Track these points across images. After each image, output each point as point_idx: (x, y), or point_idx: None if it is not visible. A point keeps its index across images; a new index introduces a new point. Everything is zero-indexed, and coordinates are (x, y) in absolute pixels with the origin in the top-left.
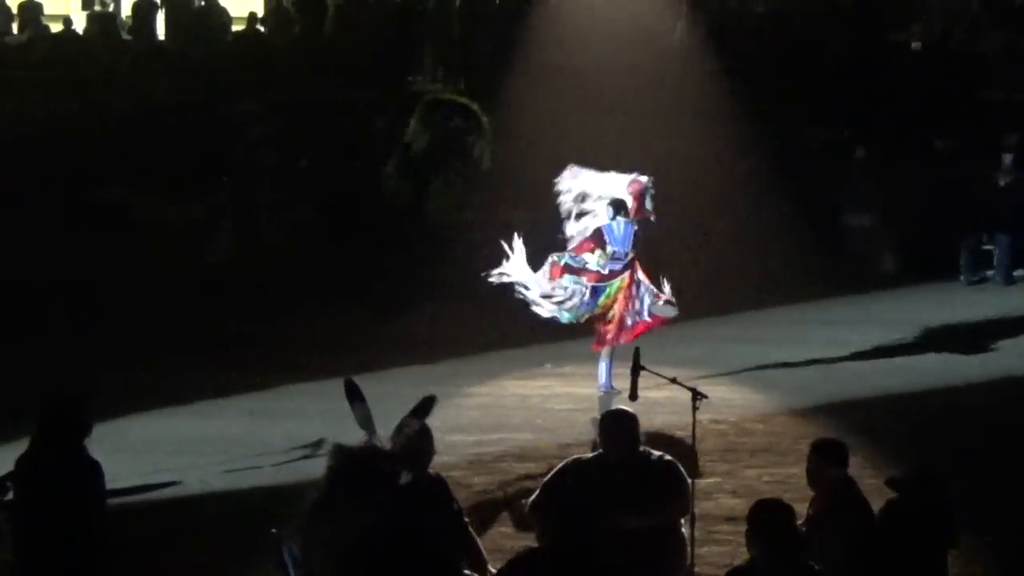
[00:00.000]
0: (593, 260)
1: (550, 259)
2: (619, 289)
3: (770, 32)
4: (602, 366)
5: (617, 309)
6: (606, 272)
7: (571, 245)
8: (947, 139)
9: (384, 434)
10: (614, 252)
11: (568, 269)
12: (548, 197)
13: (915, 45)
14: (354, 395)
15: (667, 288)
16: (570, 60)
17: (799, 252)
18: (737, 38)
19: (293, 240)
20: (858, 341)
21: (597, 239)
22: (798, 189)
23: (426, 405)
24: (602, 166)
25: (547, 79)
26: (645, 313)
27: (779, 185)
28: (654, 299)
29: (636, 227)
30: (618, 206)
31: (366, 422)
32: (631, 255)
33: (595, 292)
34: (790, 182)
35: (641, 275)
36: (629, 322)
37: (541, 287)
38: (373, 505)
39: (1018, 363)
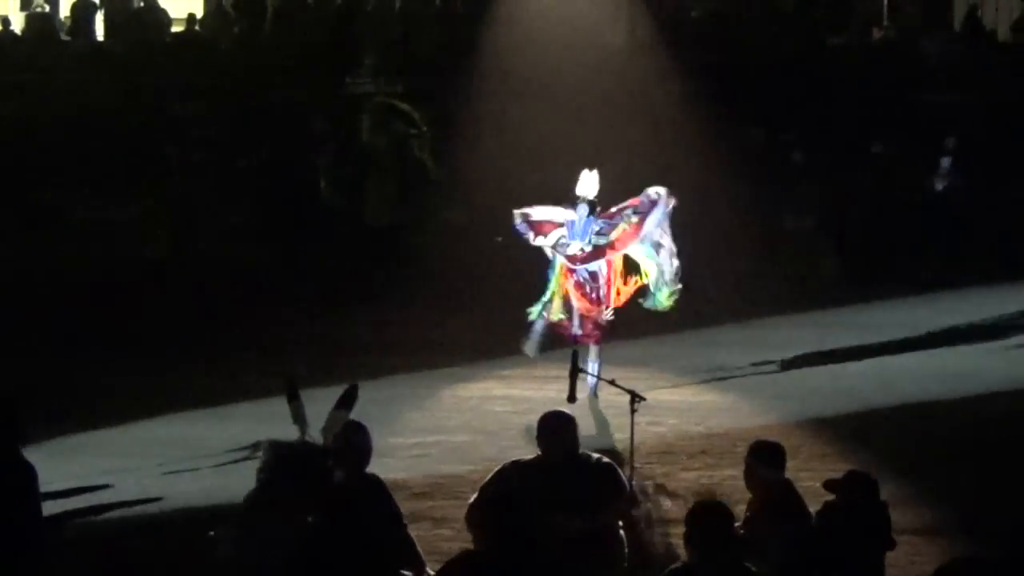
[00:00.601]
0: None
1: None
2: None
3: (710, 33)
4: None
5: (575, 304)
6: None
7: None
8: (885, 142)
9: (317, 431)
10: (561, 237)
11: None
12: (489, 198)
13: (855, 47)
14: (292, 393)
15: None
16: (513, 61)
17: (741, 255)
18: (678, 39)
19: (231, 241)
20: (808, 343)
21: (554, 228)
22: (739, 191)
23: (350, 395)
24: (544, 167)
25: (489, 80)
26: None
27: (721, 187)
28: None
29: (599, 226)
30: (591, 207)
31: (299, 419)
32: (584, 248)
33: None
34: (731, 184)
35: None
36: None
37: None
38: (309, 503)
39: (977, 370)
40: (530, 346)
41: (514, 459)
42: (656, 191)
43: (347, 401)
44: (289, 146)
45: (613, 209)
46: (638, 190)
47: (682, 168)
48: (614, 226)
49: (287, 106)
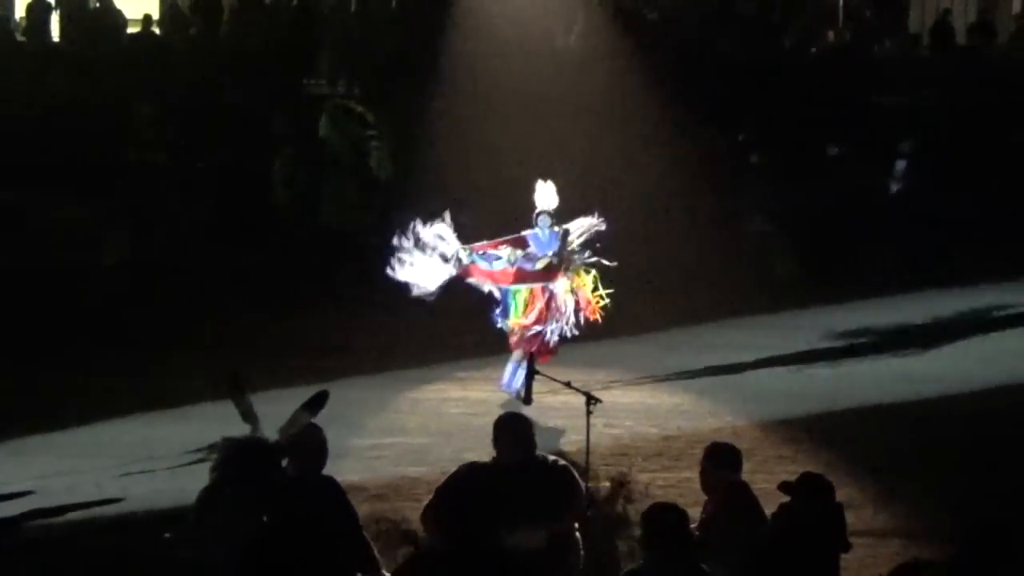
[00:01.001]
0: (505, 255)
1: (456, 255)
2: (529, 294)
3: (665, 34)
4: (509, 367)
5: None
6: (513, 270)
7: (478, 244)
8: (841, 145)
9: (273, 428)
10: (528, 253)
11: (475, 271)
12: (446, 201)
13: (811, 51)
14: (238, 389)
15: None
16: (469, 64)
17: (699, 256)
18: (635, 41)
19: (189, 243)
20: (766, 347)
21: (516, 242)
22: (697, 193)
23: (319, 400)
24: (501, 170)
25: (446, 83)
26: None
27: (678, 189)
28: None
29: (561, 235)
30: (552, 219)
31: (249, 416)
32: (551, 260)
33: (504, 296)
34: (688, 186)
35: (563, 292)
36: (549, 332)
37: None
38: (261, 498)
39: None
40: (514, 386)
41: (470, 461)
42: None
43: (314, 404)
44: (246, 147)
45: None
46: (595, 193)
47: (639, 170)
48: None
49: (244, 107)
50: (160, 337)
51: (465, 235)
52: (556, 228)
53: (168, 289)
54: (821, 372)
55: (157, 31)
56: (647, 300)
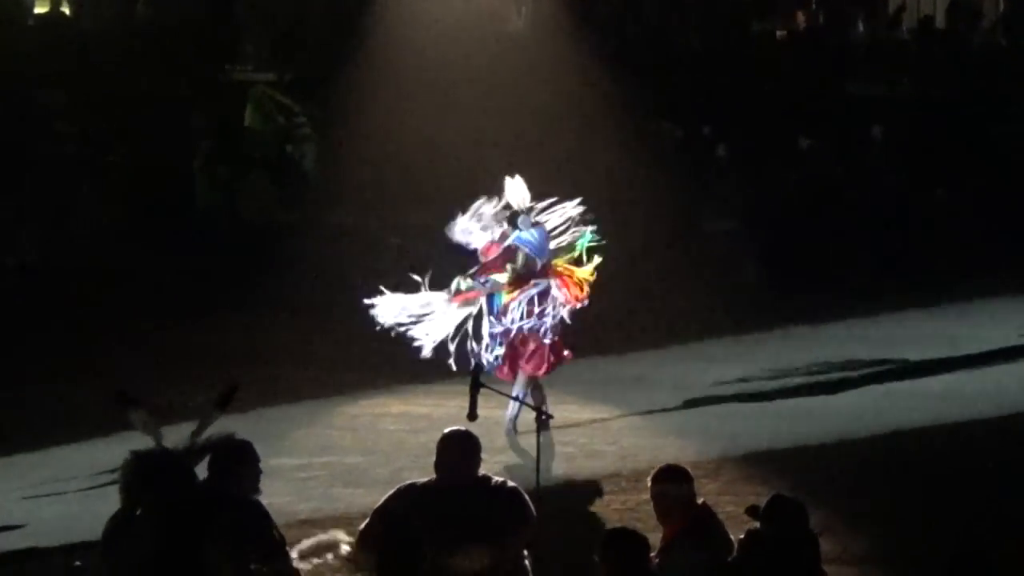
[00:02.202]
0: (503, 279)
1: (454, 286)
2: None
3: (623, 17)
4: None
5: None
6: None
7: (473, 269)
8: (812, 137)
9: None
10: (528, 261)
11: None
12: (378, 198)
13: (780, 35)
14: (128, 402)
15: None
16: (408, 49)
17: (655, 259)
18: (588, 25)
19: (101, 243)
20: (730, 365)
21: (508, 255)
22: (655, 190)
23: (226, 395)
24: (442, 164)
25: (382, 69)
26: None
27: (635, 186)
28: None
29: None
30: (527, 214)
31: (148, 428)
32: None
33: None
34: (646, 183)
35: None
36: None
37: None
38: (174, 520)
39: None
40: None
41: (410, 482)
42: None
43: (222, 401)
44: (164, 139)
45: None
46: (544, 188)
47: (592, 165)
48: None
49: (162, 95)
50: (69, 346)
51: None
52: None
53: (78, 293)
54: (788, 403)
55: (67, 11)
56: (600, 310)
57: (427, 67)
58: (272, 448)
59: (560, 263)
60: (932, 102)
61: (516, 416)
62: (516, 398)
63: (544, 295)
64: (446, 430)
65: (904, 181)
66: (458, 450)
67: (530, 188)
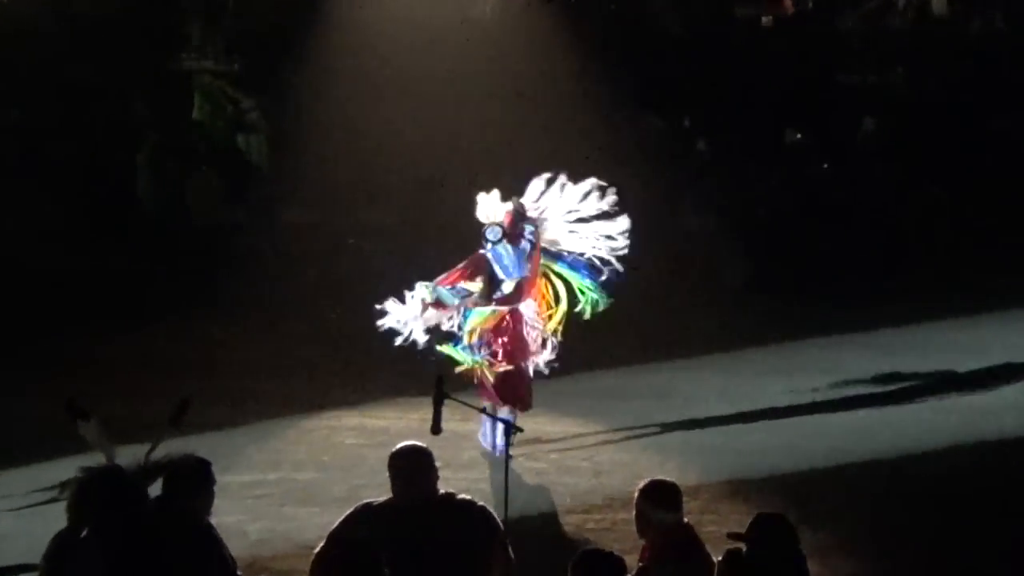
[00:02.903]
0: (477, 291)
1: (417, 292)
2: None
3: (597, 3)
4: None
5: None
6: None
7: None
8: (800, 130)
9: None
10: (502, 281)
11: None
12: (338, 196)
13: (765, 21)
14: (78, 413)
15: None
16: (367, 36)
17: (634, 261)
18: (560, 10)
19: (38, 244)
20: (709, 383)
21: (477, 266)
22: (632, 186)
23: (179, 410)
24: (404, 160)
25: (339, 60)
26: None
27: (610, 182)
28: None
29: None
30: (503, 231)
31: (99, 442)
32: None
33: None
34: (623, 178)
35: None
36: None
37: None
38: (124, 542)
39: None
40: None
41: (367, 501)
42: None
43: (176, 417)
44: (105, 131)
45: None
46: (512, 185)
47: (564, 160)
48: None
49: (104, 86)
50: (1, 357)
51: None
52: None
53: (11, 298)
54: (778, 419)
55: None
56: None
57: (387, 56)
58: (220, 464)
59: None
60: (928, 92)
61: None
62: (483, 410)
63: (515, 322)
64: (394, 447)
65: (898, 178)
66: (410, 467)
67: (498, 185)
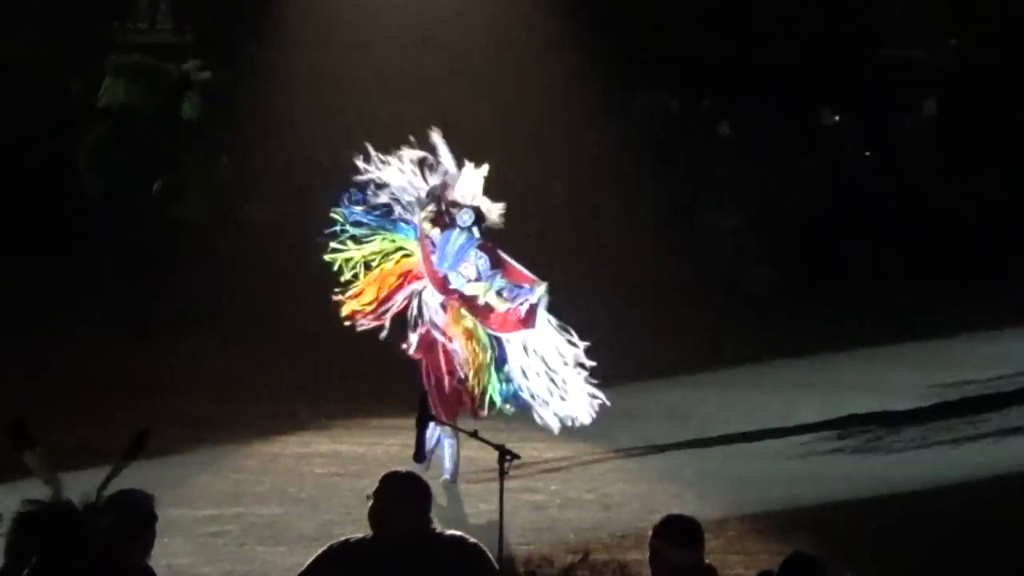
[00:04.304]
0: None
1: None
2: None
3: None
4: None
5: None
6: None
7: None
8: (838, 112)
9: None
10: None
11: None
12: (298, 190)
13: None
14: (23, 440)
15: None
16: (336, 7)
17: (648, 265)
18: None
19: None
20: (730, 406)
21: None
22: (646, 177)
23: (139, 442)
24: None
25: (303, 31)
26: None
27: (621, 174)
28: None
29: (482, 254)
30: (478, 217)
31: (45, 473)
32: (448, 279)
33: None
34: (635, 168)
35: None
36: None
37: None
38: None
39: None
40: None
41: (343, 538)
42: (541, 293)
43: (131, 451)
44: (42, 116)
45: (507, 258)
46: (504, 184)
47: (567, 149)
48: (483, 278)
49: (37, 62)
50: None
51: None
52: (475, 234)
53: None
54: (808, 444)
55: None
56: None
57: (360, 29)
58: (171, 496)
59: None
60: (983, 68)
61: (454, 460)
62: (474, 434)
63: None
64: (388, 472)
65: (949, 167)
66: (403, 496)
67: (497, 177)
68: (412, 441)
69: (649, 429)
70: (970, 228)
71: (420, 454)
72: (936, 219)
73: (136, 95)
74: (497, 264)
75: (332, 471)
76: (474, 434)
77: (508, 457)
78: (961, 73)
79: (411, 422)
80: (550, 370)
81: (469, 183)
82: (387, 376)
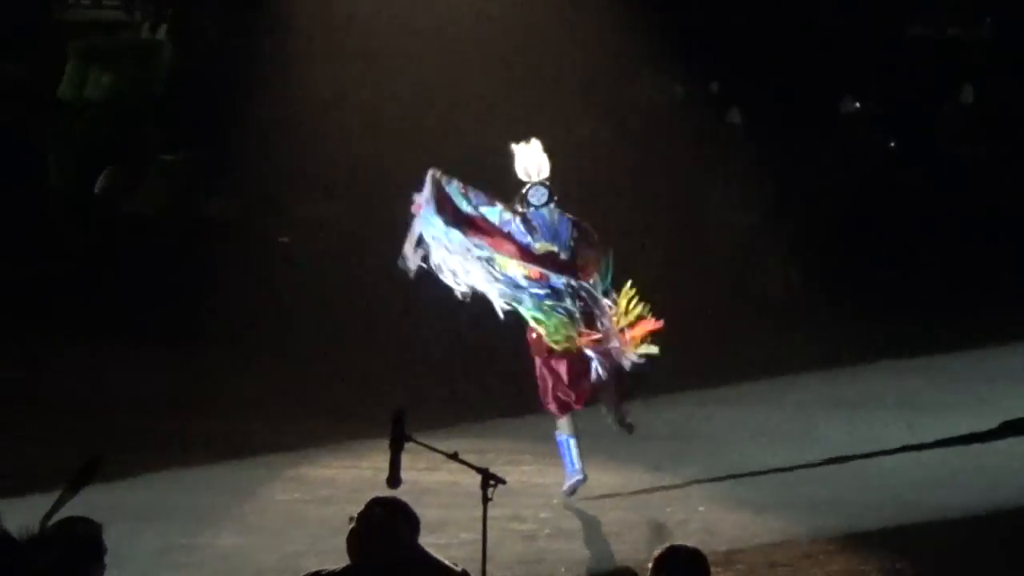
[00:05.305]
0: (499, 208)
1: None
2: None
3: None
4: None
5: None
6: (506, 233)
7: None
8: (861, 98)
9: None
10: (528, 221)
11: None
12: (263, 186)
13: None
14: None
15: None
16: None
17: (653, 266)
18: None
19: None
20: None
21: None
22: (649, 170)
23: (89, 470)
24: (351, 142)
25: (286, 10)
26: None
27: (622, 165)
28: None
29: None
30: (550, 191)
31: None
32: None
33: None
34: (637, 159)
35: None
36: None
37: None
38: None
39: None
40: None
41: (312, 572)
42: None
43: (81, 478)
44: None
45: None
46: (487, 169)
47: (563, 136)
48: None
49: None
50: None
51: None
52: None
53: None
54: (826, 475)
55: None
56: None
57: (339, 10)
58: (118, 526)
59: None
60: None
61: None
62: (454, 456)
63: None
64: (372, 499)
65: (987, 159)
66: (379, 525)
67: (465, 180)
68: (385, 463)
69: (650, 449)
70: (1011, 226)
71: (395, 478)
72: (973, 216)
73: (113, 83)
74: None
75: (297, 497)
76: (454, 456)
77: (492, 482)
78: (1000, 54)
79: (384, 443)
80: None
81: (530, 160)
82: (361, 389)
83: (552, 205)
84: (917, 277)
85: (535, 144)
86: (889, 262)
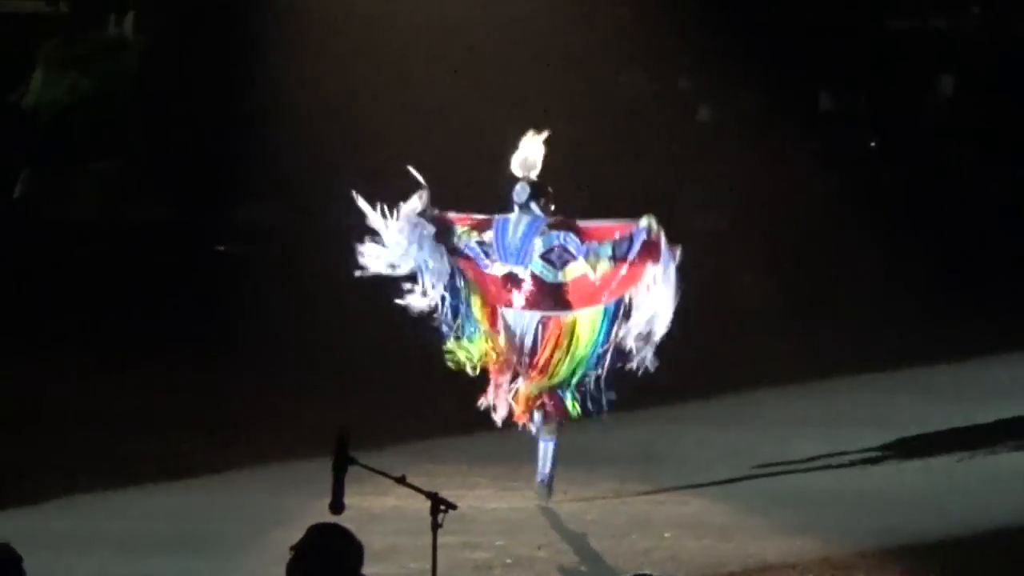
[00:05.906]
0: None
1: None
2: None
3: None
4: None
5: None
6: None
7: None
8: (837, 96)
9: None
10: (484, 241)
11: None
12: (200, 190)
13: None
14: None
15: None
16: None
17: None
18: None
19: None
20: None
21: (482, 225)
22: (614, 171)
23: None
24: (310, 145)
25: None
26: None
27: (587, 164)
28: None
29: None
30: (536, 190)
31: None
32: (520, 275)
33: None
34: (601, 159)
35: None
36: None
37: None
38: None
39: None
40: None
41: None
42: (649, 223)
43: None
44: None
45: (587, 224)
46: (448, 178)
47: (518, 137)
48: (578, 255)
49: None
50: None
51: None
52: (536, 209)
53: None
54: (802, 498)
55: None
56: None
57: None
58: (40, 554)
59: None
60: (1016, 41)
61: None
62: (401, 480)
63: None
64: (311, 527)
65: (974, 157)
66: (322, 555)
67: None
68: (328, 487)
69: (614, 472)
70: (1000, 227)
71: (338, 504)
72: (959, 218)
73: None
74: (586, 234)
75: (235, 524)
76: (401, 480)
77: (443, 507)
78: (987, 45)
79: (326, 466)
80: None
81: (527, 153)
82: (303, 405)
83: (534, 206)
84: (898, 285)
85: (537, 139)
86: (868, 269)
